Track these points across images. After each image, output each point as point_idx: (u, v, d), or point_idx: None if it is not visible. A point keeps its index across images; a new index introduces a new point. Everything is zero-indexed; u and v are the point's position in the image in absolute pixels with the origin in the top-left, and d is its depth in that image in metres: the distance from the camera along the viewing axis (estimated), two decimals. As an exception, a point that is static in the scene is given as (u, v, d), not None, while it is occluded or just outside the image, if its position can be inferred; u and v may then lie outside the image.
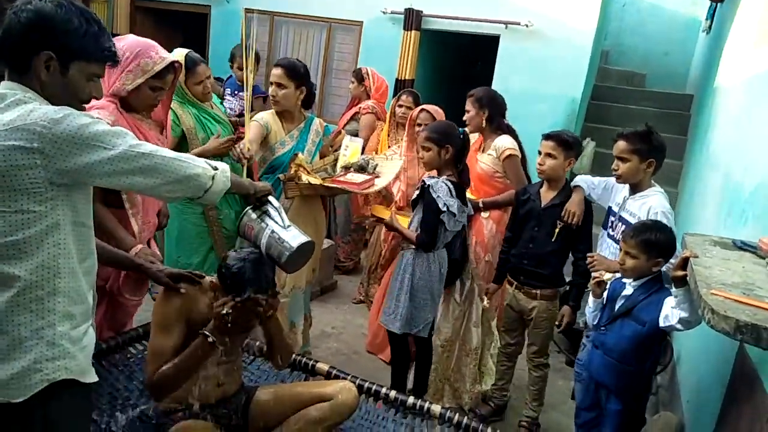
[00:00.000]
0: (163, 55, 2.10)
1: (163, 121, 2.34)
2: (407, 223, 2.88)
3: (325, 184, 2.82)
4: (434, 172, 2.78)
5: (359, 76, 4.64)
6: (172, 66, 2.14)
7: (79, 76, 1.36)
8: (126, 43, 2.04)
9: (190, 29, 7.11)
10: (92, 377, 1.45)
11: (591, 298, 2.35)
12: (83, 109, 1.43)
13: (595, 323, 2.34)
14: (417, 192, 2.76)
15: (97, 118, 1.34)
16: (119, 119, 2.02)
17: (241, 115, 3.22)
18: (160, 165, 1.41)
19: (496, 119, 3.16)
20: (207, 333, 1.80)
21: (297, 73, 2.84)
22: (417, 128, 3.30)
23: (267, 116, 2.93)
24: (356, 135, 4.27)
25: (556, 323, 2.80)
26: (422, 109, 3.36)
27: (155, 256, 2.10)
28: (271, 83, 2.88)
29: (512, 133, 3.18)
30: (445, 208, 2.62)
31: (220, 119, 3.04)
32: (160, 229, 2.51)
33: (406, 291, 2.74)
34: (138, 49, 2.03)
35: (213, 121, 2.99)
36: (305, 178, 2.74)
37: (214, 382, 1.99)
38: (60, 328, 1.35)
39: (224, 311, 1.77)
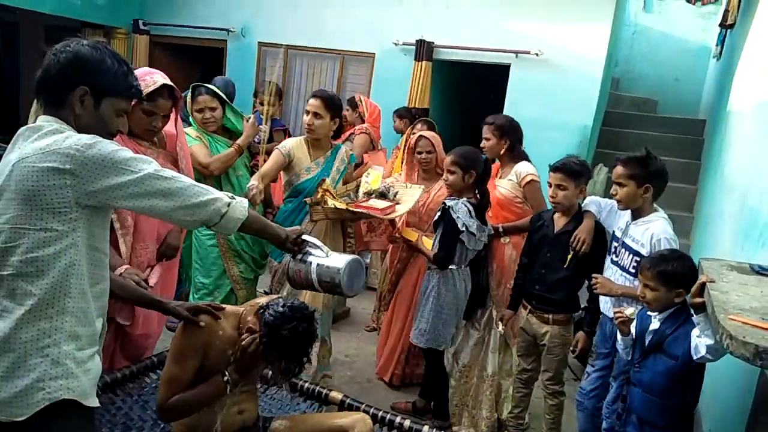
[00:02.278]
0: (157, 80, 2.16)
1: (174, 153, 2.39)
2: (429, 244, 3.03)
3: (350, 209, 2.90)
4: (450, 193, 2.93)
5: (353, 104, 4.86)
6: (165, 91, 2.20)
7: (109, 111, 1.50)
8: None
9: (207, 63, 7.29)
10: (94, 402, 1.46)
11: (620, 336, 2.30)
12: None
13: (629, 359, 2.28)
14: (438, 213, 2.91)
15: (122, 146, 1.43)
16: (118, 139, 2.06)
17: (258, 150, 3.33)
18: (180, 189, 1.47)
19: (515, 147, 3.16)
20: (226, 373, 1.83)
21: (334, 105, 2.97)
22: (418, 156, 3.37)
23: (291, 144, 3.05)
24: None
25: (571, 349, 2.76)
26: (420, 136, 3.42)
27: (139, 275, 2.12)
28: (307, 112, 2.99)
29: (527, 159, 3.20)
30: (464, 228, 2.77)
31: (231, 145, 3.14)
32: (163, 258, 2.49)
33: (431, 308, 2.91)
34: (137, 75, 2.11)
35: (225, 147, 3.11)
36: (331, 202, 2.85)
37: (236, 410, 2.00)
38: (65, 348, 1.38)
39: (250, 349, 1.80)
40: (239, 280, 3.23)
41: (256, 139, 3.36)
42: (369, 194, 3.10)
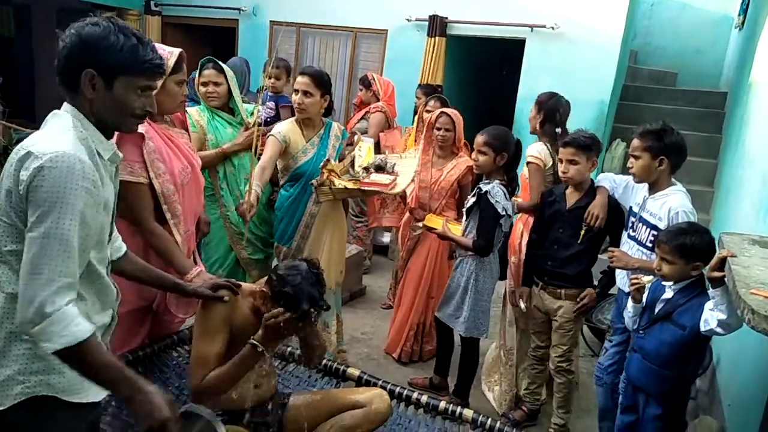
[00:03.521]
0: (173, 50, 2.08)
1: (185, 123, 2.38)
2: (458, 230, 2.96)
3: (360, 188, 2.88)
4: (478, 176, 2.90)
5: (366, 83, 4.79)
6: (183, 58, 2.10)
7: (125, 92, 1.37)
8: None
9: (219, 43, 7.26)
10: (86, 398, 1.40)
11: (630, 303, 2.30)
12: (138, 124, 1.47)
13: (634, 327, 2.29)
14: (473, 199, 2.84)
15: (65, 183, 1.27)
16: (150, 129, 2.06)
17: (266, 123, 3.25)
18: (43, 264, 1.23)
19: (546, 125, 3.07)
20: (256, 343, 1.82)
21: (323, 82, 2.89)
22: (436, 132, 3.32)
23: (285, 127, 3.00)
24: (364, 133, 4.37)
25: (577, 300, 2.75)
26: (441, 112, 3.37)
27: (206, 281, 2.04)
28: (296, 91, 2.92)
29: (550, 138, 3.06)
30: (503, 212, 2.73)
31: (234, 123, 3.08)
32: (203, 237, 2.51)
33: (471, 296, 2.87)
34: None
35: (225, 123, 3.04)
36: (338, 182, 2.82)
37: (251, 384, 2.02)
38: None
39: (278, 323, 1.80)
40: (249, 262, 3.20)
41: (261, 119, 3.30)
42: (367, 169, 3.05)
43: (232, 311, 1.94)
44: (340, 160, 3.08)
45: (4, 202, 1.30)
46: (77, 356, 1.25)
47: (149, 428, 1.27)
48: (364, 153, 3.13)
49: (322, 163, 2.87)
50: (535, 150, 3.04)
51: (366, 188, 2.90)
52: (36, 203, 1.24)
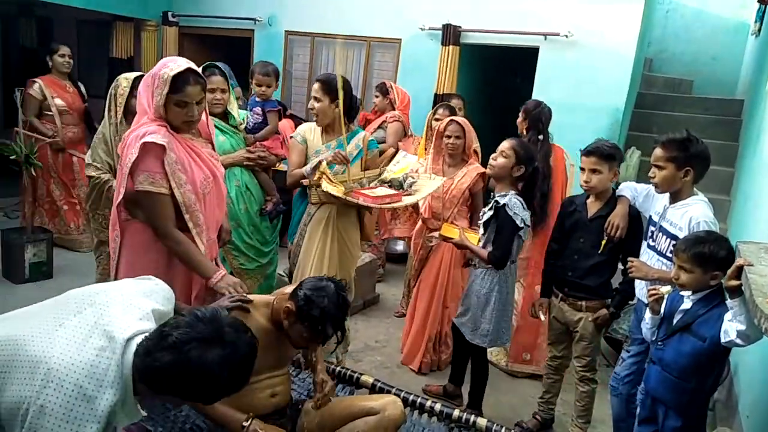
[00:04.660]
0: (181, 64, 2.09)
1: (209, 136, 2.41)
2: (475, 239, 2.94)
3: (339, 195, 2.79)
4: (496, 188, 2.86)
5: (384, 90, 4.82)
6: (190, 77, 2.08)
7: None
8: (154, 68, 2.11)
9: (235, 53, 7.35)
10: None
11: (648, 314, 2.27)
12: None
13: (653, 339, 2.26)
14: (490, 212, 2.81)
15: None
16: (172, 140, 2.09)
17: (254, 129, 3.31)
18: None
19: (531, 131, 3.32)
20: (245, 425, 1.89)
21: (331, 87, 2.90)
22: (446, 140, 3.33)
23: (304, 128, 3.06)
24: (383, 142, 4.39)
25: (590, 320, 2.74)
26: (451, 121, 3.38)
27: (236, 286, 2.09)
28: (312, 97, 2.99)
29: (543, 146, 3.28)
30: (522, 224, 2.71)
31: (226, 130, 3.12)
32: (223, 245, 2.53)
33: (494, 308, 2.84)
34: (159, 66, 2.09)
35: (219, 132, 3.05)
36: (325, 185, 2.77)
37: (268, 393, 2.04)
38: None
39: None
40: (241, 271, 3.20)
41: (249, 125, 3.33)
42: (384, 182, 3.03)
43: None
44: (364, 169, 3.07)
45: None
46: None
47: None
48: (397, 168, 3.11)
49: (314, 165, 2.86)
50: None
51: (347, 198, 2.80)
52: None
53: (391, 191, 2.95)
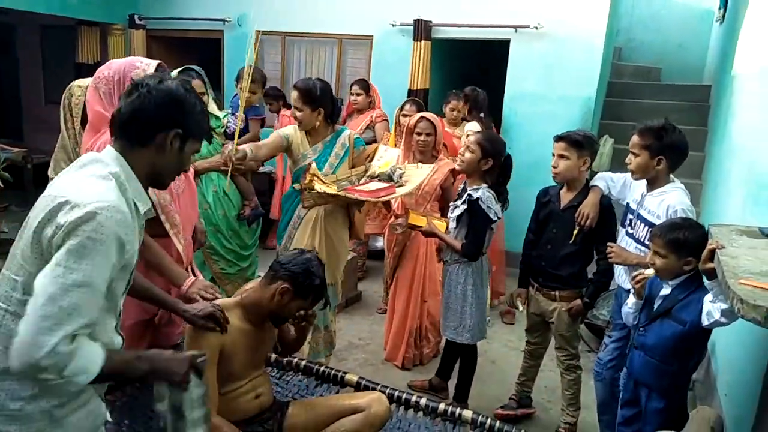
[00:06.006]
0: (149, 62, 2.06)
1: None
2: (443, 227, 2.94)
3: (336, 193, 2.79)
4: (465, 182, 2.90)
5: (366, 87, 4.79)
6: (170, 73, 2.11)
7: (189, 153, 1.48)
8: (113, 67, 2.03)
9: (205, 54, 7.25)
10: None
11: (631, 298, 2.30)
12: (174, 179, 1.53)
13: (635, 324, 2.29)
14: (463, 207, 2.80)
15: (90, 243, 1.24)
16: None
17: (231, 137, 3.25)
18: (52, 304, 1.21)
19: (473, 111, 4.31)
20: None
21: (311, 97, 2.85)
22: (416, 137, 3.32)
23: (290, 129, 3.01)
24: (373, 143, 4.35)
25: (564, 309, 2.77)
26: (421, 117, 3.37)
27: (207, 289, 2.05)
28: (293, 105, 2.94)
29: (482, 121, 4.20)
30: (495, 217, 2.73)
31: None
32: (199, 247, 2.50)
33: (472, 302, 2.85)
34: (124, 67, 2.01)
35: None
36: (318, 187, 2.75)
37: (252, 395, 2.03)
38: None
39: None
40: (221, 276, 3.18)
41: (229, 129, 3.29)
42: (373, 177, 3.02)
43: (222, 336, 1.91)
44: (352, 167, 3.04)
45: (30, 252, 1.28)
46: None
47: (178, 383, 1.43)
48: (381, 163, 3.09)
49: (306, 168, 2.84)
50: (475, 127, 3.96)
51: (344, 194, 2.81)
52: (72, 250, 1.22)
53: (384, 184, 2.95)
